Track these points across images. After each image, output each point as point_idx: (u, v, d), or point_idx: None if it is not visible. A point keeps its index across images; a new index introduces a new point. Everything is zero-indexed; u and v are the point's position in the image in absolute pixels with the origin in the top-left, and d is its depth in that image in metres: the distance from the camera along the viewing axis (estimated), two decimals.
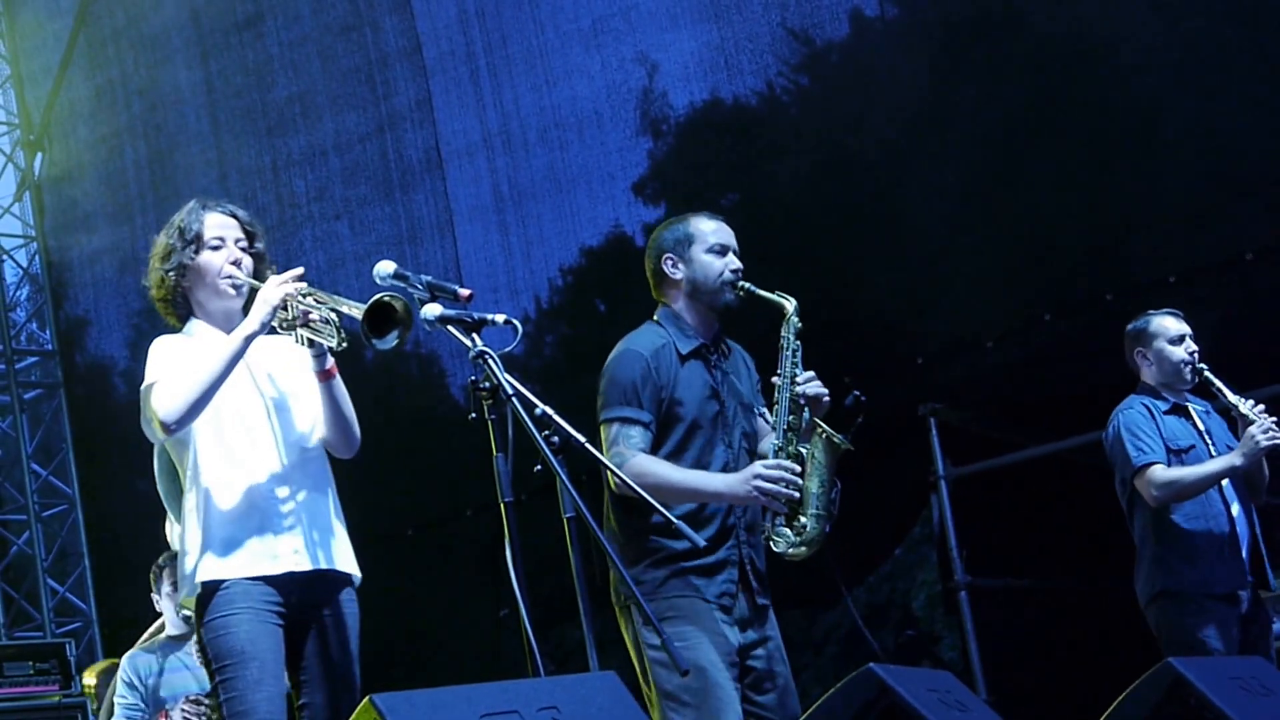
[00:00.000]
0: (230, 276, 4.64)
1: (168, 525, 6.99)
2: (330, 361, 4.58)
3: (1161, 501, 6.16)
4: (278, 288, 4.49)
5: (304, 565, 4.54)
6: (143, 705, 6.72)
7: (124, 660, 6.90)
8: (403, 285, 4.31)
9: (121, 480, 11.29)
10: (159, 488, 4.88)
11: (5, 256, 11.83)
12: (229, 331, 4.64)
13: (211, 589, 4.48)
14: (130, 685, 6.75)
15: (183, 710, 6.61)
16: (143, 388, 4.53)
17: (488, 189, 10.03)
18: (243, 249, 4.69)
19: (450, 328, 4.23)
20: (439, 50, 10.25)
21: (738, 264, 5.09)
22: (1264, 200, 7.93)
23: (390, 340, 4.28)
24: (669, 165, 9.59)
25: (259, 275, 4.67)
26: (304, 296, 4.48)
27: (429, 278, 4.34)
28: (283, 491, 4.57)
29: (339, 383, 4.63)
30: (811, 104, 9.23)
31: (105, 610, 11.47)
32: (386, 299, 4.25)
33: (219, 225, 4.68)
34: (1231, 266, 8.03)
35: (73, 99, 11.69)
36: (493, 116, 9.99)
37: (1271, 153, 7.89)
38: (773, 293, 5.07)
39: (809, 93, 9.20)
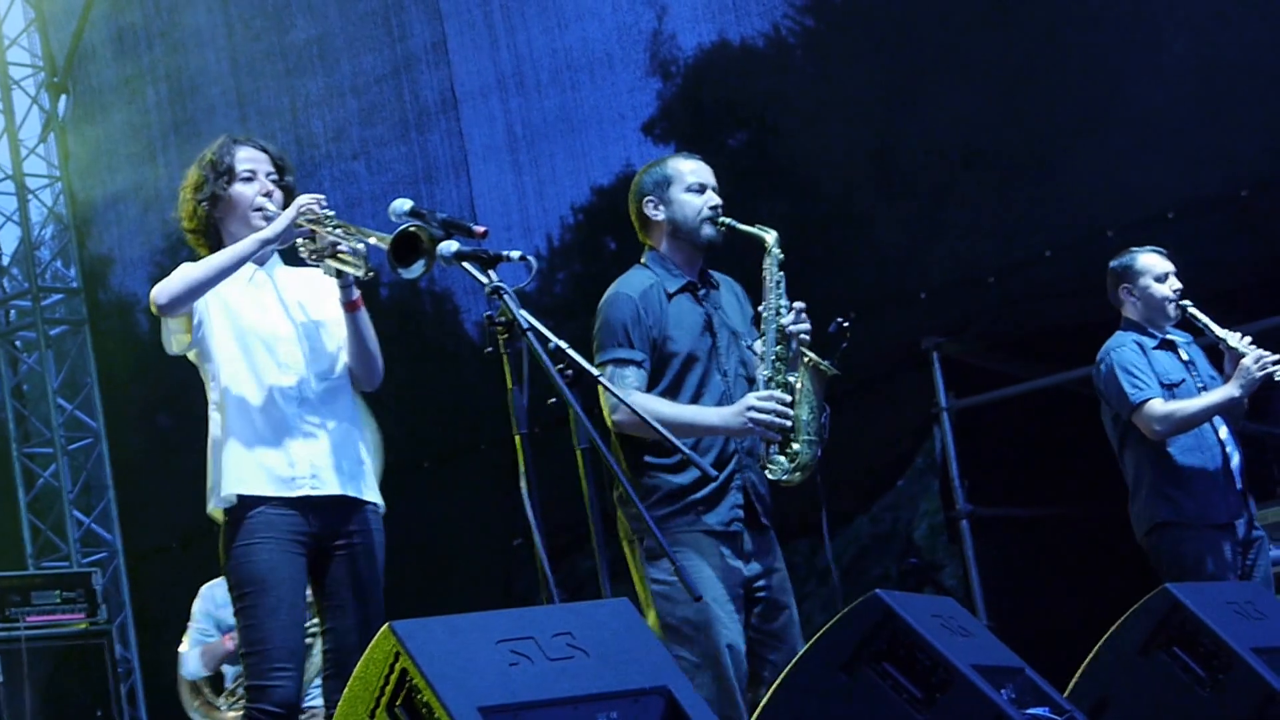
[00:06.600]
0: (261, 208, 4.70)
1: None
2: (357, 293, 4.64)
3: (1162, 435, 6.18)
4: (298, 206, 4.57)
5: (325, 490, 4.60)
6: (215, 630, 7.10)
7: (203, 589, 7.25)
8: (420, 222, 4.30)
9: (145, 414, 11.42)
10: None
11: (31, 196, 11.84)
12: (260, 263, 4.72)
13: (237, 512, 4.53)
14: (206, 613, 7.15)
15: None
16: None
17: (501, 129, 10.03)
18: (273, 182, 4.75)
19: (466, 264, 4.23)
20: None
21: (717, 200, 5.12)
22: (1260, 138, 7.96)
23: (416, 269, 4.30)
24: (677, 106, 9.58)
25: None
26: (334, 227, 4.54)
27: (445, 215, 4.35)
28: (309, 416, 4.63)
29: (364, 314, 4.68)
30: (816, 45, 9.23)
31: (129, 540, 11.58)
32: (412, 229, 4.29)
33: (250, 159, 4.75)
34: (1228, 202, 8.07)
35: (95, 42, 11.68)
36: (506, 58, 9.98)
37: (1267, 90, 7.93)
38: (753, 226, 5.11)
39: (814, 33, 9.24)
